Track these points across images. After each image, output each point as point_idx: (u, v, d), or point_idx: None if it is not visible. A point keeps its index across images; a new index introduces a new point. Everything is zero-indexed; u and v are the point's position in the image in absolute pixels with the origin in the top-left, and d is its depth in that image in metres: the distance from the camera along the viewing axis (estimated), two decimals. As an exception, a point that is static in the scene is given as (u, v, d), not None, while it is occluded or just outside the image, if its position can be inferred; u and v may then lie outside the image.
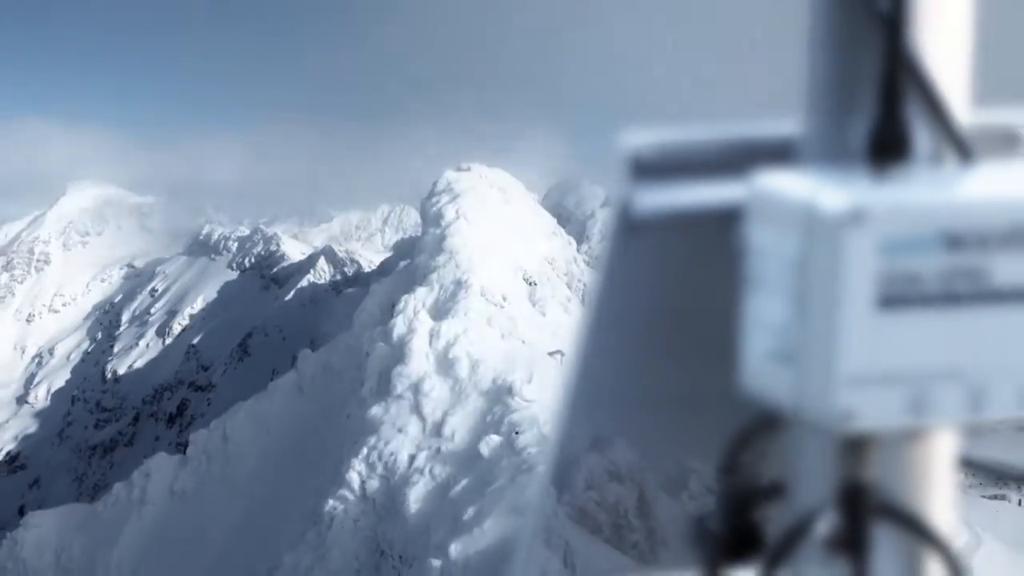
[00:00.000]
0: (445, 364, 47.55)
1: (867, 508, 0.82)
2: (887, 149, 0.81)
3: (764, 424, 0.89)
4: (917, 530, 0.83)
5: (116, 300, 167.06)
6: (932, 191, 0.78)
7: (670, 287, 1.03)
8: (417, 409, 44.90)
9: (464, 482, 38.05)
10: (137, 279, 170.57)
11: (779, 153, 0.92)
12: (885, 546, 0.83)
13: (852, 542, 0.82)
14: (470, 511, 34.82)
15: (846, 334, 0.75)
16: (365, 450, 43.40)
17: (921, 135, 0.82)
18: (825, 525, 0.83)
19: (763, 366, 0.82)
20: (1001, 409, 0.80)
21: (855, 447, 0.81)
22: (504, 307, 53.77)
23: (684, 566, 1.00)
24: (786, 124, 0.94)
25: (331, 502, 42.43)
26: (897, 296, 0.75)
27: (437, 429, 43.00)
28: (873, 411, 0.77)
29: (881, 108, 0.81)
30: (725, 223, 0.87)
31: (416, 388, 46.16)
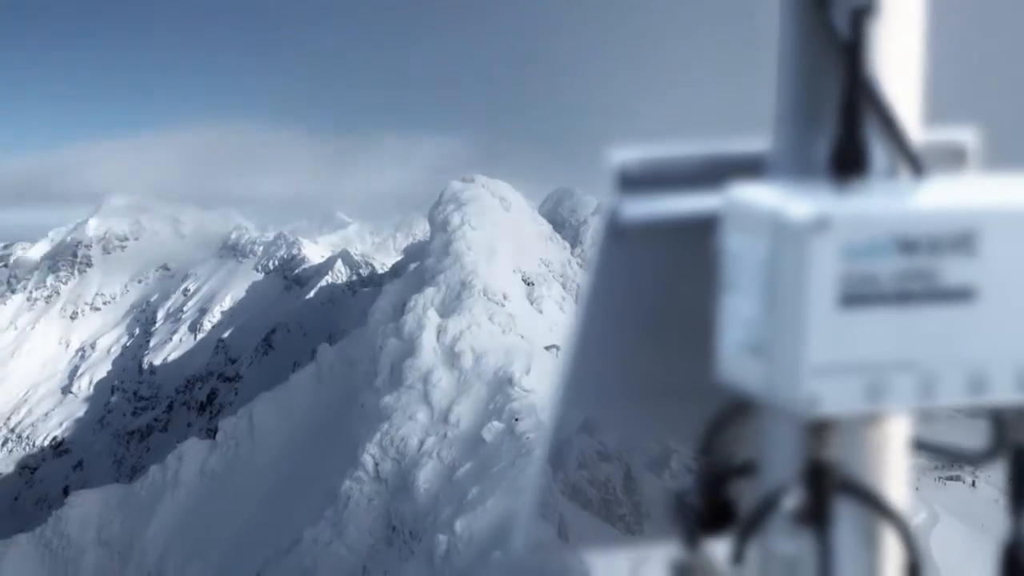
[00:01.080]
0: (451, 357, 47.51)
1: (829, 485, 0.83)
2: (848, 164, 0.83)
3: (738, 410, 0.90)
4: (874, 504, 0.84)
5: (152, 299, 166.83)
6: (888, 201, 0.80)
7: (654, 287, 1.03)
8: (426, 398, 44.86)
9: (469, 464, 38.01)
10: (171, 280, 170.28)
11: (751, 168, 0.93)
12: (846, 519, 0.85)
13: (816, 515, 0.84)
14: (474, 491, 34.78)
15: (811, 329, 0.77)
16: (379, 435, 43.36)
17: (878, 151, 0.84)
18: (792, 500, 0.84)
19: (737, 358, 0.83)
20: (950, 396, 0.81)
21: (819, 430, 0.83)
22: (505, 305, 53.69)
23: (666, 537, 1.00)
24: (757, 141, 0.95)
25: (347, 482, 42.39)
26: (856, 295, 0.77)
27: (444, 416, 42.96)
28: (835, 398, 0.79)
29: (842, 127, 0.83)
30: (703, 230, 0.89)
31: (425, 379, 46.12)
